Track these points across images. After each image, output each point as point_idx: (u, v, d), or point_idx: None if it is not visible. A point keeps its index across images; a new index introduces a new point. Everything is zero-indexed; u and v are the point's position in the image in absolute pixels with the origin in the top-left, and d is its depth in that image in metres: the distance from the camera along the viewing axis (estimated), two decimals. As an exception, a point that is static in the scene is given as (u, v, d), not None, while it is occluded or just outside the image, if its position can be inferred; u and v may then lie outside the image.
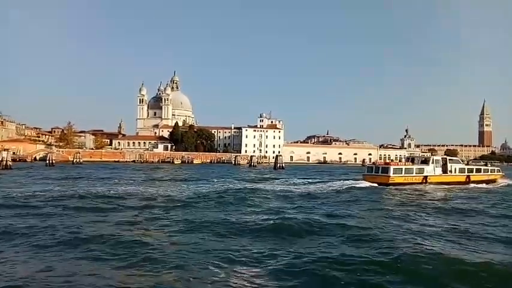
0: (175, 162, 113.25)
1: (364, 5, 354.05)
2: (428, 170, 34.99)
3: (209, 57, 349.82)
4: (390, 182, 32.27)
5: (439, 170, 35.78)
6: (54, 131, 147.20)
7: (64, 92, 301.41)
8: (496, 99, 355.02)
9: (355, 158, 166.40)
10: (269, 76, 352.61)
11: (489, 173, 40.81)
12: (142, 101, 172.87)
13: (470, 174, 37.80)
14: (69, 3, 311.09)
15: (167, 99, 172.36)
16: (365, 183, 32.83)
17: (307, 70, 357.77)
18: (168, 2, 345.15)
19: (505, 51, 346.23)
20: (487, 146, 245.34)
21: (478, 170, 39.98)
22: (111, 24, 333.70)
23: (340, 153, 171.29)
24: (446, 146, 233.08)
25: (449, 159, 38.01)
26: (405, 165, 36.08)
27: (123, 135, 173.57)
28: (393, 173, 32.77)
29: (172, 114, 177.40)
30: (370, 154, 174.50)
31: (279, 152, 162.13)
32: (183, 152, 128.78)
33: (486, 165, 44.19)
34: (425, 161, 36.89)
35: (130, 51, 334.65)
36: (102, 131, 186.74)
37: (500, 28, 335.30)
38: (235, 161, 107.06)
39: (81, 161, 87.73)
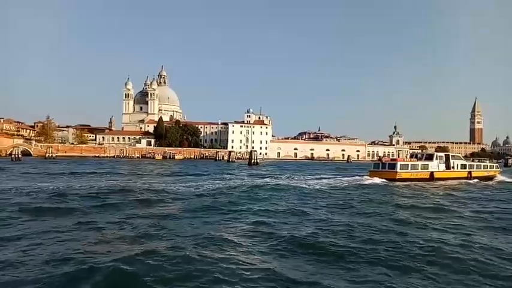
0: (156, 158, 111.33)
1: (356, 2, 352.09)
2: (433, 165, 35.57)
3: (199, 53, 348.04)
4: (397, 177, 32.83)
5: (442, 166, 36.42)
6: (37, 125, 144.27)
7: (56, 87, 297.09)
8: (487, 96, 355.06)
9: (343, 155, 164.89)
10: (261, 72, 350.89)
11: (488, 169, 41.86)
12: (128, 96, 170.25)
13: (471, 170, 38.76)
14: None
15: (153, 93, 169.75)
16: (372, 180, 33.13)
17: (300, 66, 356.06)
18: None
19: (497, 49, 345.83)
20: (477, 143, 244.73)
21: (479, 166, 40.81)
22: (101, 19, 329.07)
23: (328, 150, 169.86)
24: (437, 143, 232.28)
25: (451, 156, 38.60)
26: (410, 161, 36.25)
27: (110, 130, 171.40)
28: (400, 169, 33.34)
29: (159, 109, 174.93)
30: (358, 151, 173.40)
31: (266, 148, 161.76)
32: (166, 148, 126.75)
33: (479, 161, 44.43)
34: (429, 157, 37.22)
35: (120, 45, 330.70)
36: (89, 126, 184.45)
37: (493, 26, 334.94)
38: (216, 156, 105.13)
39: (54, 155, 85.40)
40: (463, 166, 38.54)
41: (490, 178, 39.70)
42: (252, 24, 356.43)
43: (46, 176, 34.38)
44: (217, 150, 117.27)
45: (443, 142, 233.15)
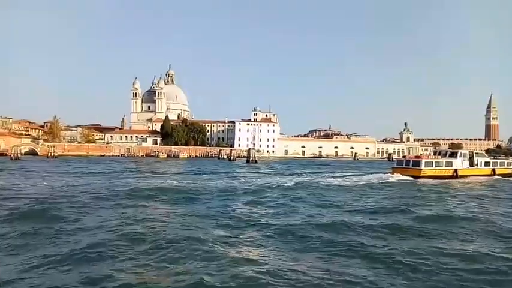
0: (161, 157, 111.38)
1: (356, 4, 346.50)
2: (457, 163, 35.56)
3: (208, 51, 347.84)
4: (422, 174, 32.95)
5: (466, 163, 36.45)
6: (47, 125, 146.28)
7: (71, 87, 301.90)
8: (504, 92, 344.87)
9: (352, 152, 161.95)
10: (272, 70, 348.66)
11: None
12: (136, 95, 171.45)
13: (495, 167, 38.74)
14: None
15: (161, 92, 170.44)
16: (396, 177, 33.31)
17: (312, 64, 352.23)
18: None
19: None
20: (493, 140, 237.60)
21: (502, 164, 40.79)
22: (109, 19, 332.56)
23: (336, 147, 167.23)
24: (451, 139, 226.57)
25: (475, 153, 38.48)
26: (434, 158, 36.20)
27: (120, 129, 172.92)
28: (425, 166, 33.48)
29: (167, 108, 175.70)
30: (367, 148, 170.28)
31: (273, 146, 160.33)
32: (172, 146, 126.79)
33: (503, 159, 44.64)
34: (453, 155, 37.00)
35: (130, 44, 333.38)
36: (99, 125, 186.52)
37: (508, 19, 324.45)
38: (219, 155, 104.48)
39: (56, 155, 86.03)
40: (487, 163, 38.44)
41: None
42: (261, 22, 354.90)
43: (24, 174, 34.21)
44: (221, 148, 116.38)
45: (457, 139, 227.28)
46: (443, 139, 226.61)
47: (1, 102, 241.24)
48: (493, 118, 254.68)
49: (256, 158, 73.52)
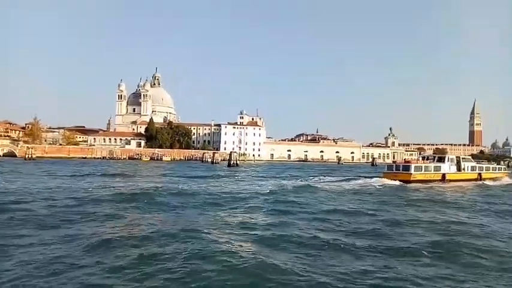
0: (144, 159, 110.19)
1: (355, 5, 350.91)
2: (445, 167, 35.96)
3: (196, 54, 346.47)
4: (412, 179, 33.24)
5: (454, 168, 36.96)
6: (28, 127, 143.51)
7: (56, 88, 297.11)
8: (487, 98, 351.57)
9: (337, 157, 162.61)
10: (260, 73, 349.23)
11: (497, 171, 43.20)
12: (121, 97, 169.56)
13: (481, 172, 39.46)
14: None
15: (146, 95, 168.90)
16: (385, 181, 33.17)
17: (298, 68, 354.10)
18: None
19: (497, 51, 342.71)
20: (476, 145, 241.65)
21: (488, 169, 41.87)
22: (96, 21, 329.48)
23: (322, 152, 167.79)
24: (436, 144, 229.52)
25: (462, 158, 39.14)
26: (424, 163, 36.68)
27: (105, 131, 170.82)
28: (414, 171, 33.77)
29: (153, 111, 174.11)
30: (352, 152, 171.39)
31: (259, 150, 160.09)
32: (156, 149, 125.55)
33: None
34: (440, 159, 37.50)
35: (119, 45, 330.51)
36: (83, 127, 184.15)
37: (493, 28, 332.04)
38: (203, 158, 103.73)
39: (33, 156, 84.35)
40: (473, 168, 39.16)
41: (498, 179, 40.23)
42: (248, 25, 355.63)
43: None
44: (204, 151, 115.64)
45: (442, 144, 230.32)
46: (428, 144, 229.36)
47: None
48: (477, 124, 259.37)
49: (238, 162, 73.03)
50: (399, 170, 35.04)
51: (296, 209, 16.93)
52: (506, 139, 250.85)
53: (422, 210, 17.76)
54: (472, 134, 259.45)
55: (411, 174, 33.41)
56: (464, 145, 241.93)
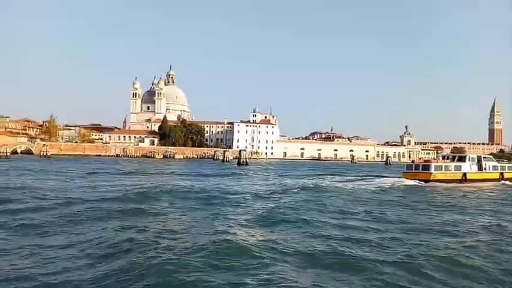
0: (156, 157, 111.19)
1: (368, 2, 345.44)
2: (466, 167, 35.52)
3: (210, 52, 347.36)
4: (432, 178, 32.91)
5: (475, 167, 36.35)
6: (46, 125, 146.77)
7: (73, 87, 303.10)
8: (508, 96, 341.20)
9: (352, 155, 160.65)
10: (275, 72, 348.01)
11: None
12: (136, 95, 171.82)
13: (503, 171, 38.89)
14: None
15: (160, 93, 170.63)
16: (406, 181, 32.62)
17: (313, 66, 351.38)
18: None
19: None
20: (496, 144, 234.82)
21: (510, 168, 41.03)
22: (113, 19, 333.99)
23: (335, 150, 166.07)
24: (453, 143, 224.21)
25: (483, 157, 38.59)
26: (444, 162, 36.28)
27: (120, 129, 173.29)
28: (435, 170, 33.43)
29: (167, 109, 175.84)
30: (367, 151, 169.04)
31: (271, 148, 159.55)
32: (169, 147, 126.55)
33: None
34: (461, 159, 37.03)
35: (133, 44, 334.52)
36: (99, 125, 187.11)
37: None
38: (214, 156, 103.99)
39: (48, 154, 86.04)
40: (495, 167, 38.57)
41: None
42: (262, 24, 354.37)
43: None
44: (216, 149, 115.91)
45: (460, 143, 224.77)
46: (446, 143, 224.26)
47: (2, 101, 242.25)
48: (497, 122, 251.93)
49: (248, 160, 72.81)
50: (419, 169, 34.76)
51: (288, 215, 16.12)
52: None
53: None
54: (491, 132, 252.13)
55: (431, 173, 33.14)
56: (483, 144, 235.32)
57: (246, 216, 14.56)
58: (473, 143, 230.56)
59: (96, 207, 15.58)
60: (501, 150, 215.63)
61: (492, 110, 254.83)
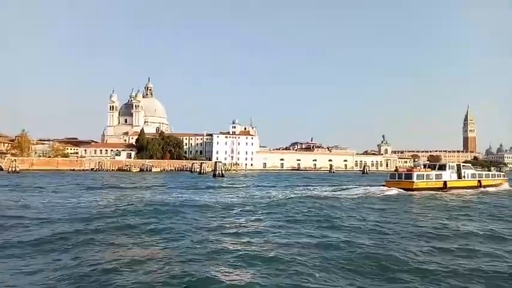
0: (133, 171, 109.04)
1: (347, 10, 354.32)
2: (446, 175, 36.65)
3: (188, 65, 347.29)
4: (414, 187, 33.69)
5: (455, 176, 37.69)
6: (17, 139, 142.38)
7: (53, 100, 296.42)
8: (481, 104, 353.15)
9: (331, 165, 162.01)
10: (255, 82, 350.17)
11: (496, 178, 44.64)
12: (113, 108, 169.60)
13: (480, 179, 40.43)
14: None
15: (138, 105, 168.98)
16: (389, 191, 33.25)
17: (293, 77, 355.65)
18: (147, 4, 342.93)
19: (489, 57, 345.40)
20: (470, 152, 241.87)
21: (487, 176, 43.10)
22: (88, 31, 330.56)
23: (315, 160, 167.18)
24: (430, 151, 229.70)
25: (462, 165, 39.85)
26: (425, 171, 36.99)
27: (97, 143, 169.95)
28: (417, 179, 34.18)
29: (145, 122, 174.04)
30: (345, 160, 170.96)
31: (251, 159, 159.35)
32: (146, 160, 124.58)
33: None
34: (441, 167, 38.11)
35: (112, 55, 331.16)
36: (76, 139, 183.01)
37: (485, 34, 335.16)
38: (192, 168, 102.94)
39: (17, 169, 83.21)
40: (473, 175, 40.10)
41: (497, 186, 41.81)
42: (243, 33, 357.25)
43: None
44: (193, 162, 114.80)
45: (436, 151, 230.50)
46: (422, 151, 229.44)
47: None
48: (470, 130, 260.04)
49: (223, 172, 72.34)
50: (401, 178, 35.43)
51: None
52: (500, 145, 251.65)
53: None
54: (466, 140, 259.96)
55: (413, 182, 33.86)
56: (458, 151, 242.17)
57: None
58: (448, 151, 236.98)
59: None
60: (475, 158, 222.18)
61: (466, 119, 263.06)
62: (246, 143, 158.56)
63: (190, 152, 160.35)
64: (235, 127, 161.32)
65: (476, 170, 42.97)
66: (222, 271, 8.96)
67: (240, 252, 10.64)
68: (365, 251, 11.03)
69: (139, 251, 11.04)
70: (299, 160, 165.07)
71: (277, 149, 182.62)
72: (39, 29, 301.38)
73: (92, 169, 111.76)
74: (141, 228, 14.83)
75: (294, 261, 9.67)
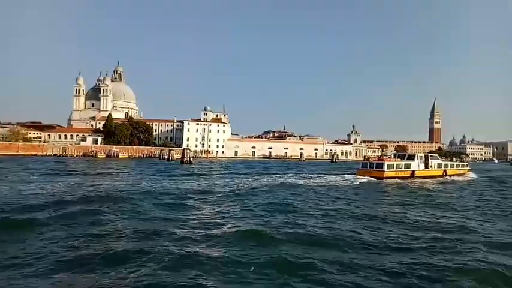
0: (99, 157, 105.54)
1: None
2: (414, 165, 38.47)
3: (162, 49, 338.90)
4: (385, 176, 35.07)
5: (422, 165, 39.53)
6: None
7: (14, 80, 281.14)
8: (447, 97, 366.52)
9: (301, 153, 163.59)
10: (231, 70, 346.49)
11: (460, 167, 46.88)
12: (79, 92, 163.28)
13: (446, 169, 42.56)
14: None
15: (106, 89, 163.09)
16: (361, 179, 34.24)
17: (271, 66, 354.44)
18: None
19: (458, 51, 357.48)
20: (436, 143, 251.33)
21: (452, 165, 45.12)
22: (59, 13, 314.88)
23: (286, 148, 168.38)
24: (397, 142, 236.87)
25: (430, 156, 41.58)
26: (395, 161, 38.44)
27: (62, 127, 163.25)
28: (387, 168, 35.65)
29: (114, 106, 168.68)
30: (316, 149, 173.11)
31: (223, 147, 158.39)
32: (113, 146, 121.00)
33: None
34: (410, 157, 40.14)
35: (79, 38, 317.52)
36: (39, 123, 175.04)
37: (456, 28, 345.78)
38: (160, 155, 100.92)
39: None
40: (439, 165, 42.05)
41: (461, 175, 44.08)
42: (217, 22, 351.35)
43: None
44: (162, 149, 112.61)
45: (403, 141, 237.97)
46: (390, 141, 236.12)
47: None
48: (436, 122, 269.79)
49: (191, 159, 71.13)
50: (373, 167, 36.75)
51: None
52: (463, 136, 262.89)
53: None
54: (431, 131, 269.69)
55: (384, 171, 35.26)
56: (424, 142, 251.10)
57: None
58: (415, 142, 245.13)
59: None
60: (439, 148, 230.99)
61: (432, 111, 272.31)
62: (218, 131, 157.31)
63: (160, 138, 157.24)
64: (206, 114, 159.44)
65: (442, 161, 44.79)
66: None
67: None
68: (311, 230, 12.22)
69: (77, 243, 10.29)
70: (270, 148, 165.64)
71: (249, 137, 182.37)
72: (5, 10, 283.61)
73: (54, 154, 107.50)
74: (83, 219, 13.95)
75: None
